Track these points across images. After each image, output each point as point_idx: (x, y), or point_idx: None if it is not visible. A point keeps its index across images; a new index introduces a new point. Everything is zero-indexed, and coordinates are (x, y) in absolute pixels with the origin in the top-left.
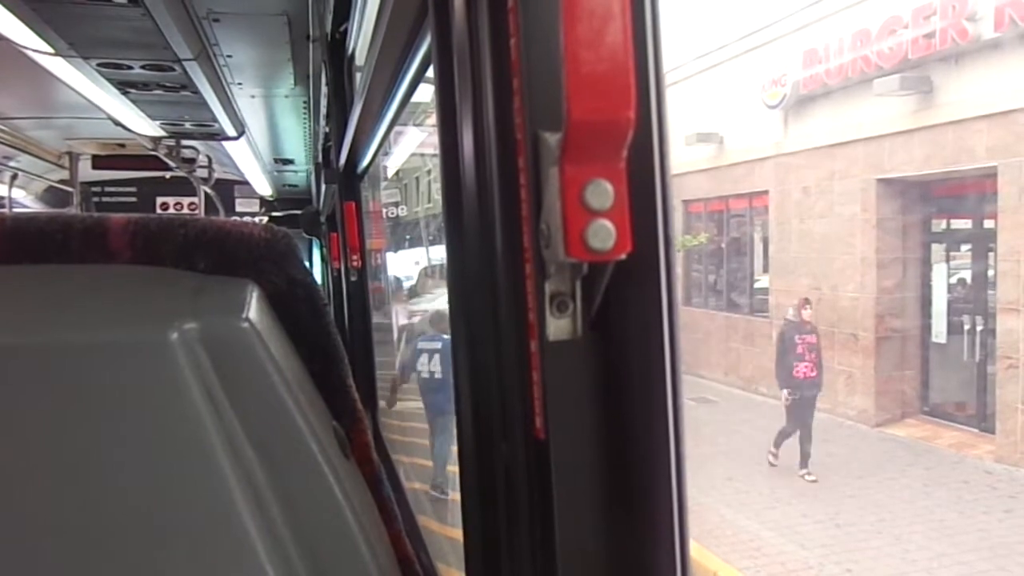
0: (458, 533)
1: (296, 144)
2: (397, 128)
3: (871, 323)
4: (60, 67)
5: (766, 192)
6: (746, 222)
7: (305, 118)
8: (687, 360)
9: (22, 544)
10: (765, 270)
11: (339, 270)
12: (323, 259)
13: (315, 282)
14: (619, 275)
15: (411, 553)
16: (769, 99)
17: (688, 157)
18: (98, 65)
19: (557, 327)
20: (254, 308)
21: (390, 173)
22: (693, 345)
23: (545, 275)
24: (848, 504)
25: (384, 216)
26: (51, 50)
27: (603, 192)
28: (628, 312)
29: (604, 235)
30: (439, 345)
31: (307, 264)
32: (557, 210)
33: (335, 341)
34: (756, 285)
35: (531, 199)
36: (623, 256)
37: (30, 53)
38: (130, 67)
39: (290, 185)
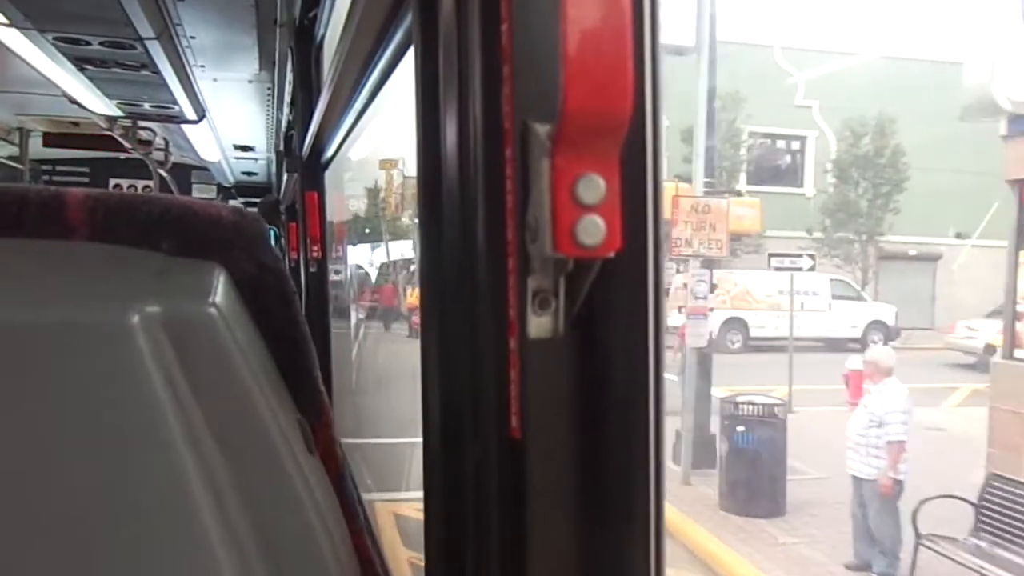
0: None
1: (257, 131)
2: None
3: None
4: (14, 39)
5: None
6: None
7: (268, 105)
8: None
9: None
10: None
11: (297, 260)
12: (281, 249)
13: (285, 269)
14: (605, 273)
15: (372, 553)
16: None
17: None
18: (55, 39)
19: (538, 324)
20: (221, 293)
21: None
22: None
23: (528, 270)
24: None
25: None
26: (5, 20)
27: (595, 187)
28: (612, 312)
29: (594, 231)
30: None
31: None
32: (546, 204)
33: (303, 331)
34: None
35: (517, 192)
36: (611, 254)
37: None
38: (88, 43)
39: (249, 173)
